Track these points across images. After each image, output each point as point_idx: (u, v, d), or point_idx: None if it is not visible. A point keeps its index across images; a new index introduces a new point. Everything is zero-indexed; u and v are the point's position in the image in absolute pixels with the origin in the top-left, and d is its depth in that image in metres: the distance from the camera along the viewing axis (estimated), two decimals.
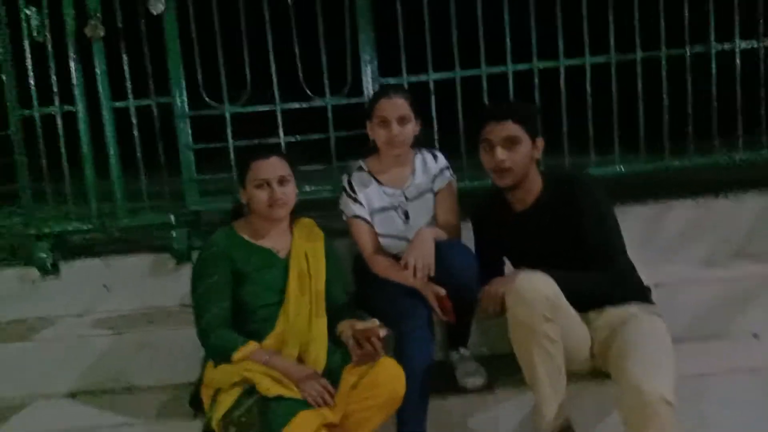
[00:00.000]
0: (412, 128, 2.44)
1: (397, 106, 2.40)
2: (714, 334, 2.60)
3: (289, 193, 2.18)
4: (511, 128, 2.18)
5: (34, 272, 2.95)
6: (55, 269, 2.96)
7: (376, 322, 2.03)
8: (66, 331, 2.77)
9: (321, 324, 2.20)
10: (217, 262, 2.13)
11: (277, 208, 2.16)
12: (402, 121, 2.40)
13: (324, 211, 2.71)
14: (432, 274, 2.21)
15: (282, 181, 2.17)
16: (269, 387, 1.93)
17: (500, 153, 2.19)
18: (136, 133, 2.96)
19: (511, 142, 2.18)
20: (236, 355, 2.02)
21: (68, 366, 2.66)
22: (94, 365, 2.66)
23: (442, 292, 2.22)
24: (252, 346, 2.05)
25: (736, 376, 2.35)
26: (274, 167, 2.17)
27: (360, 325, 2.04)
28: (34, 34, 2.87)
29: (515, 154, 2.18)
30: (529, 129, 2.20)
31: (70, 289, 2.96)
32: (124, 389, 2.65)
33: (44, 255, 2.92)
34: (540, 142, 2.24)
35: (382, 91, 2.49)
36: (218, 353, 2.07)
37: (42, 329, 2.81)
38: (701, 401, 2.31)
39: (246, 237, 2.21)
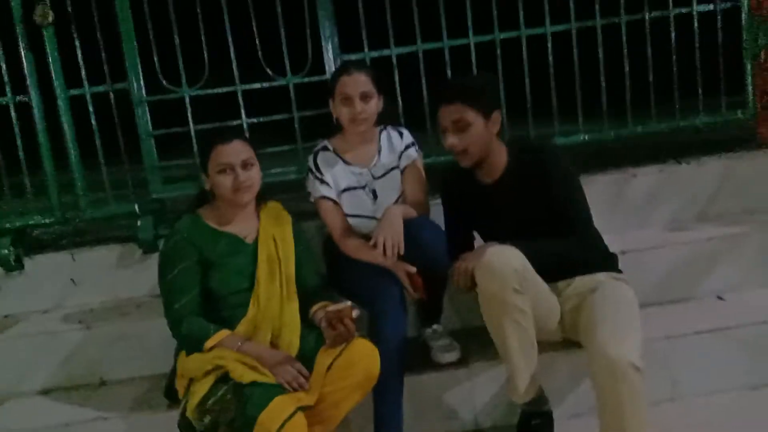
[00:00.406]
0: (375, 104, 2.41)
1: (359, 82, 2.36)
2: (680, 297, 2.65)
3: (254, 177, 2.15)
4: (460, 110, 2.15)
5: None
6: (18, 265, 2.89)
7: (348, 303, 2.02)
8: (34, 328, 2.72)
9: (293, 308, 2.19)
10: (183, 251, 2.09)
11: (242, 192, 2.12)
12: (365, 97, 2.37)
13: (291, 192, 2.68)
14: (402, 252, 2.21)
15: (245, 165, 2.13)
16: (243, 373, 1.92)
17: (451, 137, 2.18)
18: (93, 121, 2.89)
19: (461, 125, 2.16)
20: (208, 343, 2.00)
21: (39, 363, 2.62)
22: (66, 360, 2.62)
23: (413, 269, 2.22)
24: (223, 333, 2.03)
25: (702, 337, 2.41)
26: (236, 151, 2.12)
27: (332, 306, 2.03)
28: None
29: (468, 136, 2.17)
30: (480, 107, 2.16)
31: (35, 285, 2.90)
32: (97, 383, 2.61)
33: (6, 251, 2.84)
34: (496, 115, 2.20)
35: (343, 68, 2.44)
36: (190, 342, 2.05)
37: (9, 327, 2.75)
38: (670, 363, 2.37)
39: (211, 224, 2.17)
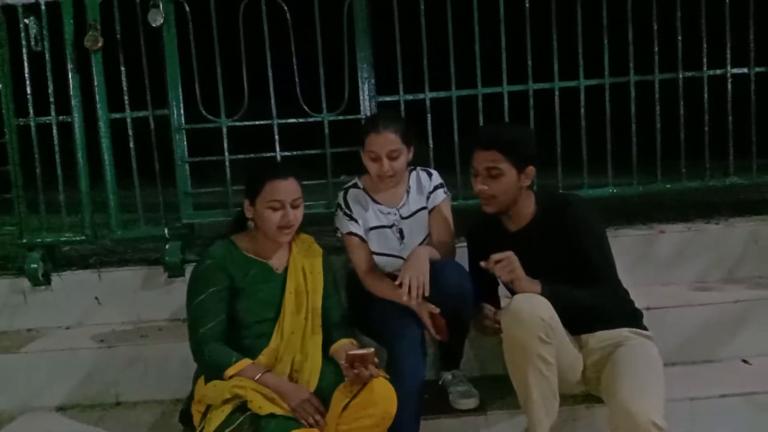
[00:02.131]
0: (404, 160, 2.42)
1: (388, 141, 2.36)
2: (705, 358, 2.61)
3: (299, 216, 2.17)
4: (495, 158, 2.17)
5: (25, 283, 2.92)
6: (46, 280, 2.93)
7: (371, 350, 2.00)
8: (56, 344, 2.74)
9: (316, 341, 2.19)
10: (214, 275, 2.11)
11: (286, 232, 2.14)
12: (392, 156, 2.38)
13: (318, 226, 2.71)
14: (427, 293, 2.21)
15: (295, 204, 2.15)
16: (261, 404, 1.92)
17: (481, 182, 2.20)
18: (132, 144, 2.96)
19: (494, 173, 2.18)
20: (229, 371, 2.01)
21: (57, 379, 2.63)
22: (84, 379, 2.64)
23: (436, 310, 2.22)
24: (245, 362, 2.04)
25: (727, 401, 2.36)
26: (290, 190, 2.14)
27: (355, 351, 2.00)
28: (33, 43, 2.87)
29: (498, 184, 2.19)
30: (515, 159, 2.17)
31: (61, 301, 2.94)
32: (113, 404, 2.62)
33: (36, 265, 2.89)
34: (530, 170, 2.22)
35: (373, 124, 2.40)
36: (212, 368, 2.06)
37: (32, 341, 2.78)
38: (692, 425, 2.32)
39: (245, 251, 2.19)
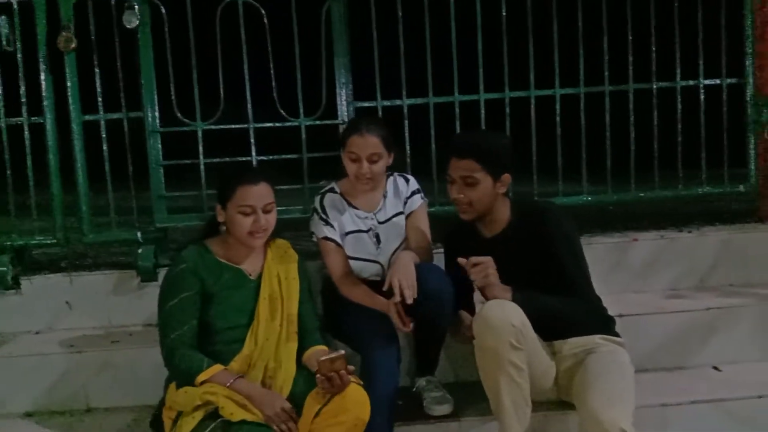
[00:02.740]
0: (383, 164, 2.42)
1: (369, 144, 2.37)
2: (676, 365, 2.64)
3: (272, 221, 2.15)
4: (471, 167, 2.19)
5: None
6: (16, 284, 2.87)
7: (341, 352, 1.98)
8: (25, 348, 2.68)
9: (290, 348, 2.17)
10: (186, 280, 2.09)
11: (258, 237, 2.12)
12: (373, 160, 2.39)
13: (294, 231, 2.70)
14: (415, 295, 2.18)
15: (267, 209, 2.13)
16: (233, 411, 1.89)
17: (456, 190, 2.22)
18: (105, 147, 2.92)
19: (469, 181, 2.20)
20: (200, 377, 1.98)
21: (26, 384, 2.57)
22: (53, 384, 2.58)
23: (398, 299, 2.18)
24: (217, 368, 2.02)
25: (698, 407, 2.39)
26: (262, 194, 2.12)
27: (326, 356, 1.98)
28: (4, 43, 2.83)
29: (473, 192, 2.20)
30: (491, 167, 2.19)
31: (30, 305, 2.87)
32: (83, 410, 2.57)
33: (5, 269, 2.83)
34: (506, 178, 2.24)
35: (356, 127, 2.42)
36: (182, 375, 2.03)
37: (1, 345, 2.72)
38: (663, 431, 2.34)
39: (217, 256, 2.17)
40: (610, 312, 2.36)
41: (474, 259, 2.11)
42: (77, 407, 2.57)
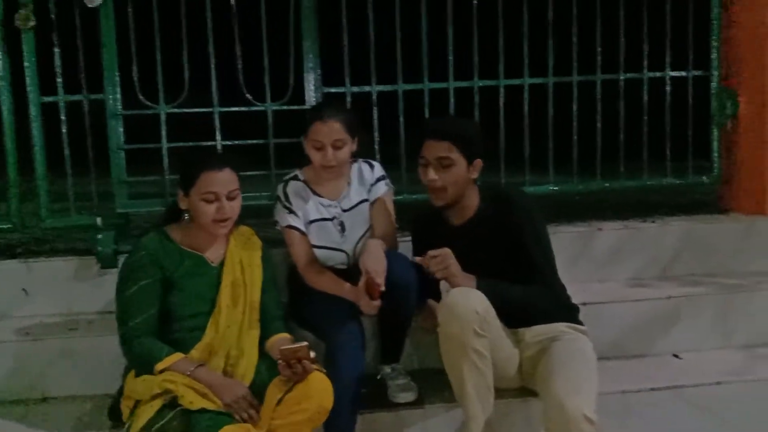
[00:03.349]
0: (348, 150, 2.38)
1: (332, 130, 2.32)
2: (638, 353, 2.67)
3: (236, 208, 2.10)
4: (448, 149, 2.18)
5: None
6: None
7: (305, 343, 1.96)
8: None
9: (253, 336, 2.14)
10: (145, 268, 2.04)
11: (222, 225, 2.08)
12: (336, 146, 2.34)
13: (261, 218, 2.66)
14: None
15: (231, 196, 2.08)
16: (192, 399, 1.86)
17: (432, 173, 2.20)
18: (64, 130, 2.84)
19: (446, 163, 2.19)
20: (159, 366, 1.94)
21: None
22: (9, 373, 2.50)
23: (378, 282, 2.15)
24: (176, 356, 1.98)
25: (657, 394, 2.43)
26: (225, 181, 2.07)
27: (288, 345, 1.96)
28: None
29: (449, 174, 2.19)
30: (466, 151, 2.20)
31: None
32: (39, 399, 2.50)
33: None
34: (478, 163, 2.24)
35: (318, 113, 2.37)
36: (141, 363, 1.99)
37: None
38: (624, 418, 2.36)
39: (178, 242, 2.13)
40: (575, 300, 2.37)
41: (431, 252, 2.10)
42: (33, 396, 2.50)
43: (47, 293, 2.80)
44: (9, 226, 2.86)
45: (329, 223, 2.45)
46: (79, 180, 2.90)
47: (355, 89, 2.98)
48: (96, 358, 2.50)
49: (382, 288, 2.14)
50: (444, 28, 2.99)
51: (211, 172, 2.06)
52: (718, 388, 2.45)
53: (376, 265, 2.16)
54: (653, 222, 3.09)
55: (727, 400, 2.43)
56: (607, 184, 3.20)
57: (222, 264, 2.15)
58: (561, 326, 2.25)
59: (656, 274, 2.98)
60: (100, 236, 2.78)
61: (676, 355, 2.68)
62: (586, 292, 2.71)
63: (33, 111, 2.79)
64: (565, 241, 2.89)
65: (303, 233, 2.42)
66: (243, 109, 2.91)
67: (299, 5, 2.85)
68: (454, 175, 2.19)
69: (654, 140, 3.19)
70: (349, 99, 2.96)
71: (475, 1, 3.00)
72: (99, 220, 2.83)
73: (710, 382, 2.46)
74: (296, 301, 2.47)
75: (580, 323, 2.32)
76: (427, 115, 3.02)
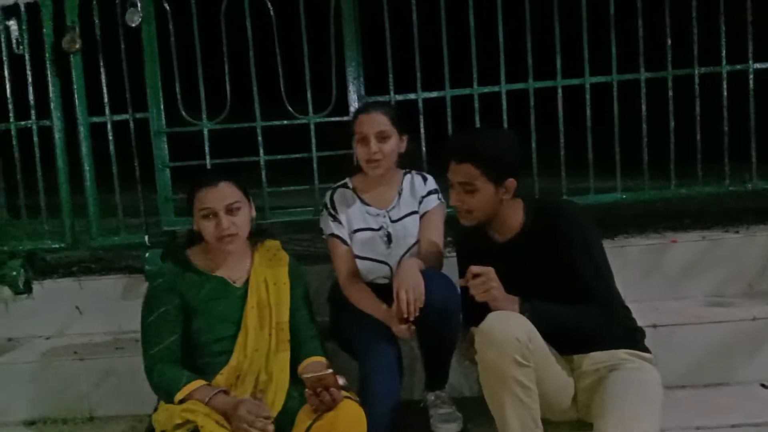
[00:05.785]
0: (393, 144, 2.29)
1: (376, 121, 2.26)
2: (717, 381, 2.39)
3: (240, 223, 2.02)
4: (470, 174, 1.99)
5: (5, 291, 2.85)
6: (27, 288, 2.86)
7: (330, 371, 1.85)
8: (32, 354, 2.66)
9: (282, 359, 2.04)
10: (163, 295, 2.00)
11: (226, 241, 2.00)
12: (381, 137, 2.26)
13: (306, 233, 2.58)
14: (421, 304, 2.02)
15: (230, 210, 2.00)
16: (212, 430, 1.78)
17: (455, 196, 2.04)
18: (112, 148, 2.87)
19: (468, 189, 2.01)
20: (178, 395, 1.88)
21: (30, 391, 2.56)
22: (57, 391, 2.55)
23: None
24: (195, 384, 1.90)
25: (739, 431, 2.13)
26: (220, 196, 2.00)
27: (313, 373, 1.86)
28: (14, 46, 2.81)
29: (473, 200, 2.02)
30: (492, 173, 1.99)
31: (41, 310, 2.86)
32: (86, 418, 2.53)
33: (15, 273, 2.82)
34: (510, 183, 2.02)
35: (362, 107, 2.38)
36: (162, 392, 1.94)
37: (9, 351, 2.71)
38: None
39: (199, 266, 2.07)
40: (644, 321, 2.14)
41: (473, 269, 1.92)
42: (80, 415, 2.54)
43: (99, 311, 2.85)
44: (63, 245, 2.92)
45: (375, 233, 2.34)
46: (128, 197, 2.93)
47: (399, 97, 2.85)
48: (141, 377, 2.46)
49: (406, 315, 2.01)
50: (494, 29, 2.80)
51: (203, 189, 2.01)
52: None
53: (407, 289, 2.02)
54: (736, 232, 2.78)
55: None
56: (683, 191, 2.89)
57: (246, 284, 2.07)
58: (621, 353, 2.02)
59: (740, 292, 2.68)
60: (147, 254, 2.79)
61: (763, 385, 2.36)
62: (657, 312, 2.49)
63: (82, 131, 2.84)
64: (634, 255, 2.67)
65: (346, 243, 2.32)
66: (286, 122, 2.85)
67: (340, 15, 2.76)
68: (478, 201, 2.01)
69: (736, 140, 2.86)
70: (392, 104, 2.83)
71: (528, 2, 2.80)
72: (146, 238, 2.84)
73: None
74: (336, 319, 2.37)
75: (645, 349, 2.07)
76: (477, 122, 2.83)
